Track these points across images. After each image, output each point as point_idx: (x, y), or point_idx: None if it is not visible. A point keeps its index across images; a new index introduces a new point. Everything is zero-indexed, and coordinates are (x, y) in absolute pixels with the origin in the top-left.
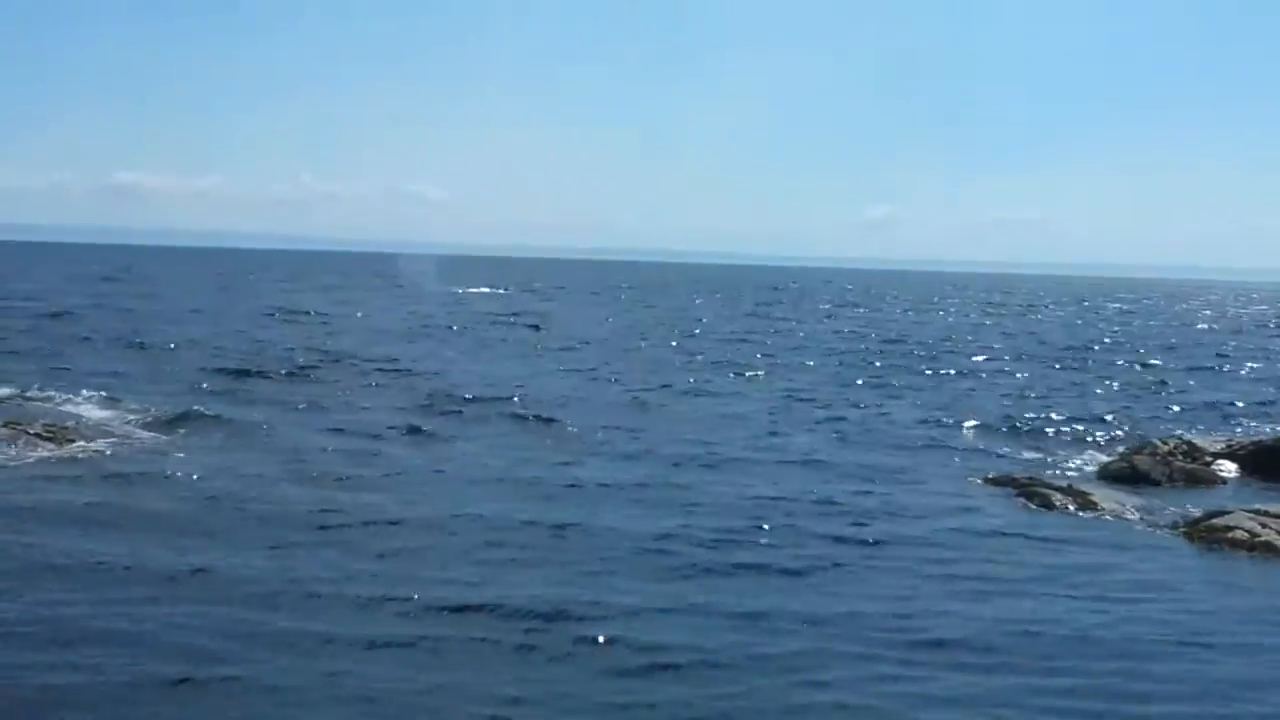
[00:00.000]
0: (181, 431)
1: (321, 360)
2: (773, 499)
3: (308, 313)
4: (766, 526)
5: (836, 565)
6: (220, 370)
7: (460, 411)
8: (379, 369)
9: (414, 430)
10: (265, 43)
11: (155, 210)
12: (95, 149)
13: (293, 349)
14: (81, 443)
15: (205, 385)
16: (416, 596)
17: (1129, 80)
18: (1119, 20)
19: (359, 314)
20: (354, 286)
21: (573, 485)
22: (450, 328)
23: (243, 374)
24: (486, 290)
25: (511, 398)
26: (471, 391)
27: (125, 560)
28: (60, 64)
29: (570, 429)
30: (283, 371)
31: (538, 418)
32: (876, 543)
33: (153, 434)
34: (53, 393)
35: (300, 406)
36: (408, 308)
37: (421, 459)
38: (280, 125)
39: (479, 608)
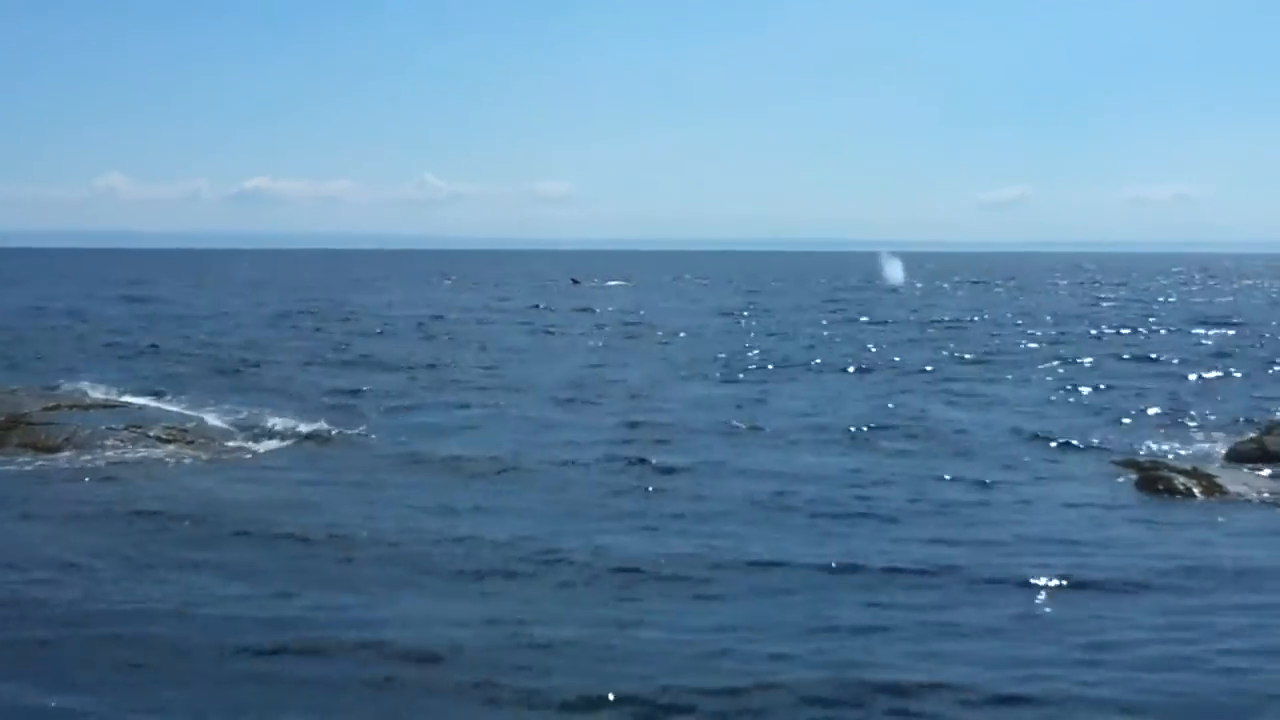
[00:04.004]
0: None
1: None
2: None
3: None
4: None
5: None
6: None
7: None
8: None
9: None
10: (385, 46)
11: (286, 214)
12: (227, 156)
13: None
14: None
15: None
16: None
17: (1266, 49)
18: None
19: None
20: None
21: None
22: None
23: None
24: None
25: None
26: None
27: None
28: (193, 72)
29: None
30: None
31: None
32: (982, 516)
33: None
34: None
35: None
36: None
37: None
38: (404, 128)
39: None
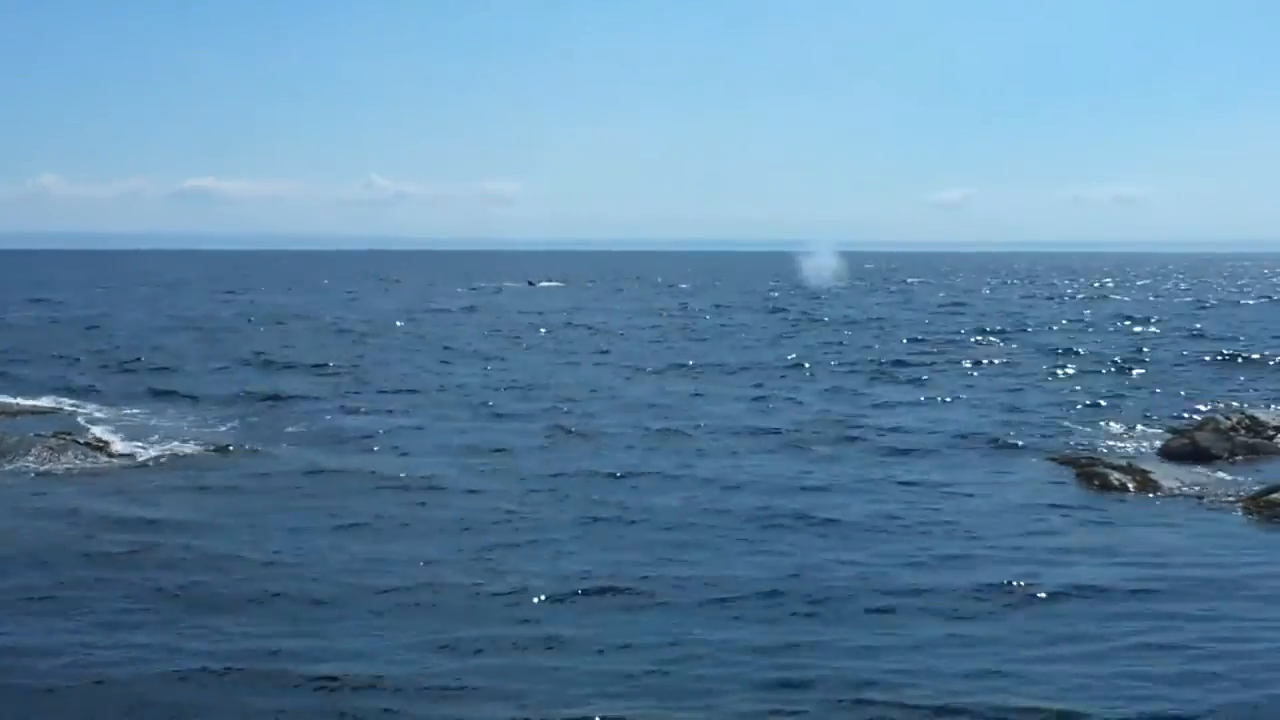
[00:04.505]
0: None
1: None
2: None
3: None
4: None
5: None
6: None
7: None
8: None
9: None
10: (331, 45)
11: (231, 214)
12: (167, 155)
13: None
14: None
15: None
16: None
17: (1206, 53)
18: None
19: None
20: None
21: None
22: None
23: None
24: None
25: None
26: None
27: None
28: (129, 69)
29: None
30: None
31: None
32: (926, 517)
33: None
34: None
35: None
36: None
37: None
38: (350, 127)
39: None
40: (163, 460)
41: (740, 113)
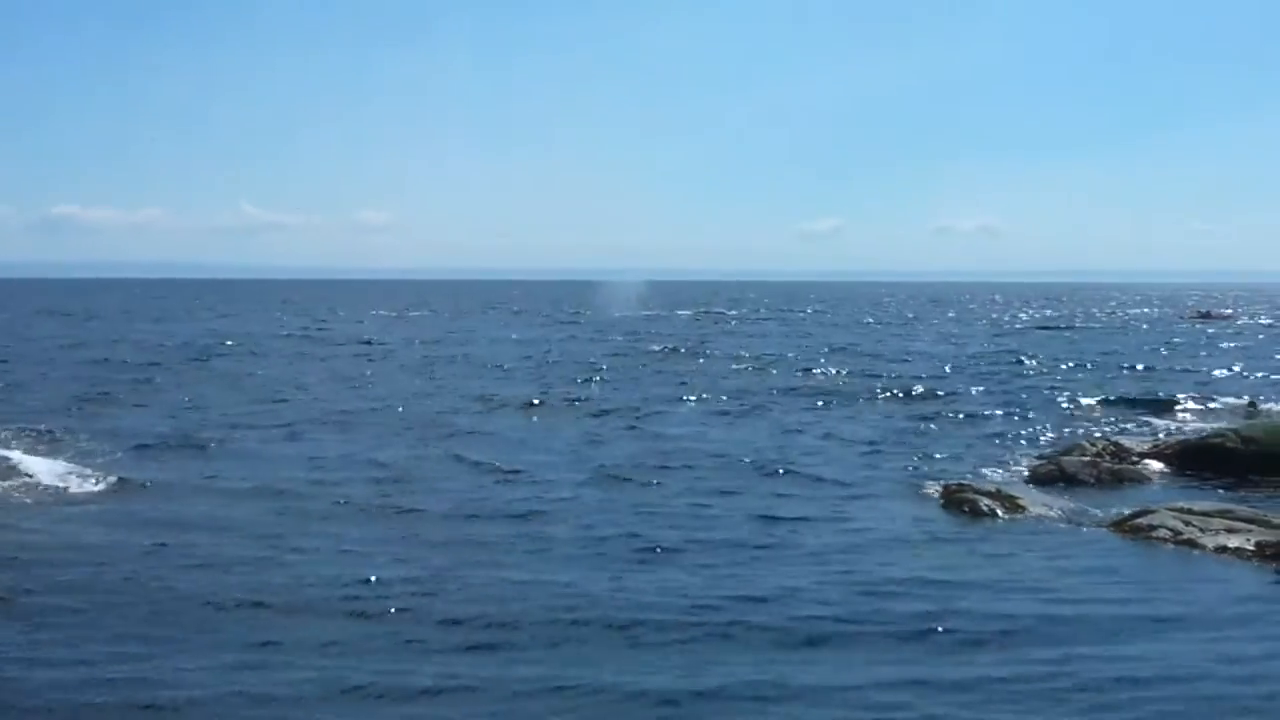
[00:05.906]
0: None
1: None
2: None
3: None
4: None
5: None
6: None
7: None
8: None
9: None
10: (199, 70)
11: (97, 243)
12: (28, 182)
13: None
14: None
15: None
16: None
17: (1070, 88)
18: (1055, 31)
19: None
20: None
21: None
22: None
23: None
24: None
25: None
26: None
27: None
28: None
29: None
30: None
31: None
32: (796, 545)
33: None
34: None
35: None
36: None
37: None
38: (219, 155)
39: None
40: None
41: (613, 143)
